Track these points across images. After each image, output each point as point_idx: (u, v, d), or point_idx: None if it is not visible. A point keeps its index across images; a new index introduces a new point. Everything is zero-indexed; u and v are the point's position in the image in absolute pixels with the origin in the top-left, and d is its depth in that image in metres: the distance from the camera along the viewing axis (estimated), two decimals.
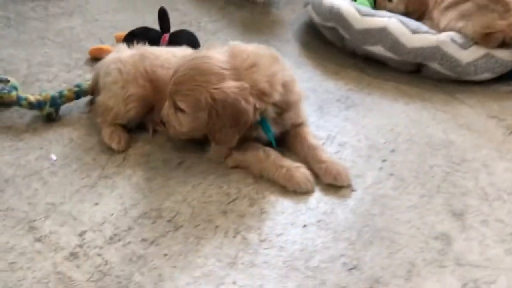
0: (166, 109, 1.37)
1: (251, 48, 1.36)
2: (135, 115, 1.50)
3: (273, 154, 1.36)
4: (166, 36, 1.82)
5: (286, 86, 1.36)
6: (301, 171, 1.33)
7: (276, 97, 1.33)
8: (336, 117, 1.65)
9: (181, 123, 1.35)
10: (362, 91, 1.80)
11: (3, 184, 1.32)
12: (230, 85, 1.28)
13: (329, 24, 1.99)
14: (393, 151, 1.49)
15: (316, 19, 2.07)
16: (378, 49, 1.86)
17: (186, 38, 1.82)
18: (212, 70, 1.29)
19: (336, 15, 1.93)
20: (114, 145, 1.45)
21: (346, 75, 1.90)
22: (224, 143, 1.34)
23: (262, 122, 1.36)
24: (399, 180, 1.38)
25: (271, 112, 1.36)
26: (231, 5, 2.48)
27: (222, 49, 1.36)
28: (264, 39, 2.16)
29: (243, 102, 1.27)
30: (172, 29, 1.89)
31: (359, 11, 1.89)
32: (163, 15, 1.85)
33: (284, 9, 2.42)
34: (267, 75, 1.32)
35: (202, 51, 1.37)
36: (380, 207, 1.29)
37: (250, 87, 1.28)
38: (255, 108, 1.29)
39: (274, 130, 1.41)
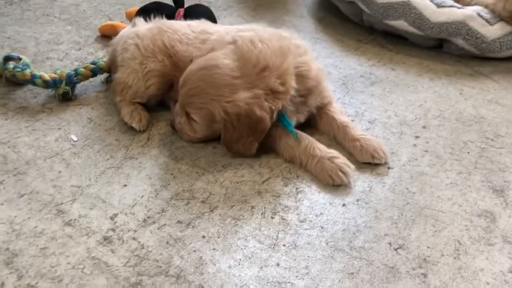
0: (178, 118, 1.32)
1: (260, 47, 1.25)
2: (155, 92, 1.43)
3: (305, 141, 1.29)
4: (181, 11, 1.75)
5: (301, 76, 1.29)
6: (335, 162, 1.24)
7: (292, 92, 1.27)
8: (361, 93, 1.60)
9: (195, 131, 1.31)
10: (385, 66, 1.75)
11: (25, 167, 1.25)
12: (243, 97, 1.22)
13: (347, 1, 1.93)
14: (424, 127, 1.45)
15: None
16: (400, 24, 1.81)
17: (202, 13, 1.74)
18: (223, 82, 1.23)
19: None
20: (135, 125, 1.39)
21: (366, 50, 1.85)
22: (242, 153, 1.28)
23: (281, 117, 1.29)
24: (435, 157, 1.34)
25: (289, 106, 1.29)
26: None
27: (228, 49, 1.27)
28: (277, 15, 2.10)
29: (258, 111, 1.22)
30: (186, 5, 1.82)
31: None
32: None
33: None
34: (278, 75, 1.25)
35: (209, 56, 1.28)
36: (419, 185, 1.25)
37: (264, 92, 1.23)
38: (271, 111, 1.24)
39: (299, 117, 1.35)
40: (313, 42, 1.89)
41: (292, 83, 1.27)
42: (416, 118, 1.49)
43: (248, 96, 1.22)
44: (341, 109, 1.45)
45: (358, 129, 1.37)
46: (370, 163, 1.30)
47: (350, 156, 1.31)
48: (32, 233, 1.07)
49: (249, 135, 1.25)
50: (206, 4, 2.10)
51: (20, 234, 1.07)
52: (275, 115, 1.26)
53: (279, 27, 1.96)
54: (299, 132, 1.31)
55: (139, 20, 1.53)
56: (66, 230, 1.09)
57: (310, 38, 1.93)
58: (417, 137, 1.41)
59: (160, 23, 1.49)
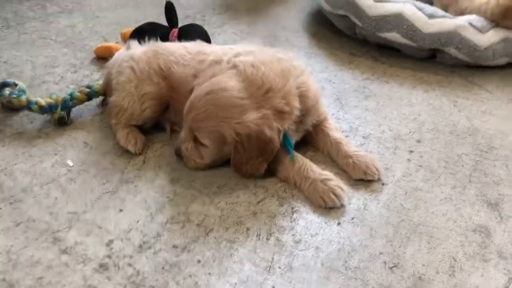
0: (185, 144, 1.32)
1: (262, 70, 1.26)
2: (151, 114, 1.44)
3: (300, 161, 1.29)
4: (175, 31, 1.76)
5: (302, 96, 1.31)
6: (328, 184, 1.24)
7: (296, 112, 1.28)
8: (356, 108, 1.61)
9: (202, 157, 1.31)
10: (379, 79, 1.76)
11: (21, 194, 1.26)
12: (252, 117, 1.23)
13: (340, 12, 1.95)
14: (419, 141, 1.45)
15: (326, 7, 2.02)
16: (393, 36, 1.82)
17: (196, 33, 1.76)
18: (232, 103, 1.23)
19: (348, 2, 1.88)
20: (130, 147, 1.40)
21: (360, 64, 1.86)
22: (251, 173, 1.29)
23: (283, 137, 1.29)
24: (429, 172, 1.34)
25: (291, 125, 1.30)
26: None
27: (231, 73, 1.28)
28: (271, 30, 2.11)
29: (267, 131, 1.23)
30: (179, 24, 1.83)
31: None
32: (170, 10, 1.79)
33: (290, 3, 2.36)
34: (283, 95, 1.26)
35: (213, 80, 1.27)
36: (414, 201, 1.25)
37: (271, 113, 1.24)
38: (279, 131, 1.25)
39: (297, 136, 1.36)
40: (308, 57, 1.91)
41: (296, 103, 1.29)
42: (410, 132, 1.49)
43: (258, 117, 1.23)
44: (336, 125, 1.46)
45: (351, 146, 1.37)
46: (364, 179, 1.30)
47: (344, 173, 1.32)
48: (28, 262, 1.08)
49: (258, 156, 1.26)
50: (199, 21, 2.12)
51: (16, 264, 1.08)
52: (281, 136, 1.27)
53: (273, 43, 2.00)
54: (295, 153, 1.31)
55: (134, 43, 1.54)
56: (63, 258, 1.09)
57: (304, 53, 1.94)
58: (411, 151, 1.42)
59: (155, 45, 1.50)
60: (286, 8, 2.31)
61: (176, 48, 1.47)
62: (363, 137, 1.47)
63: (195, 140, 1.30)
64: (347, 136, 1.46)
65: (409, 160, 1.38)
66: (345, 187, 1.25)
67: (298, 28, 2.13)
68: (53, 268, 1.07)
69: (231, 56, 1.34)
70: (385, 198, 1.26)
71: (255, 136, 1.23)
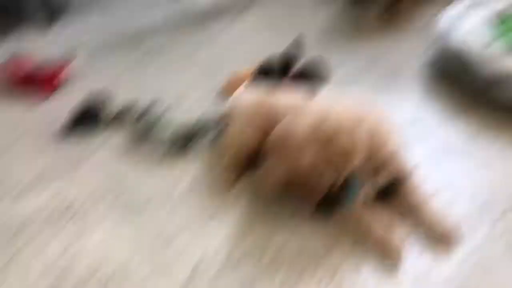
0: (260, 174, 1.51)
1: (335, 115, 1.37)
2: (247, 160, 1.64)
3: (373, 210, 1.39)
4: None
5: (373, 142, 1.36)
6: (397, 241, 1.34)
7: (361, 154, 1.34)
8: (452, 163, 1.61)
9: (273, 189, 1.47)
10: (486, 136, 1.72)
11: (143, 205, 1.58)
12: (310, 155, 1.33)
13: (457, 64, 1.94)
14: (505, 211, 1.43)
15: (444, 59, 2.03)
16: (508, 95, 1.78)
17: (313, 74, 1.97)
18: (295, 144, 1.36)
19: (465, 58, 1.88)
20: (225, 187, 1.62)
21: (470, 116, 1.80)
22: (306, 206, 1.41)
23: (350, 182, 1.36)
24: (509, 246, 1.33)
25: (361, 171, 1.36)
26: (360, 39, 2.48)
27: (306, 117, 1.40)
28: (389, 69, 2.13)
29: (320, 172, 1.33)
30: None
31: (490, 55, 1.82)
32: (298, 46, 2.03)
33: (412, 43, 2.34)
34: (348, 135, 1.33)
35: (286, 124, 1.43)
36: (482, 276, 1.26)
37: (333, 153, 1.32)
38: (337, 171, 1.33)
39: (371, 187, 1.41)
40: (417, 104, 1.91)
41: (361, 145, 1.34)
42: (504, 198, 1.46)
43: (315, 156, 1.33)
44: (421, 184, 1.47)
45: (433, 207, 1.40)
46: (438, 243, 1.34)
47: (419, 233, 1.37)
48: None
49: (310, 192, 1.37)
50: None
51: None
52: (341, 177, 1.34)
53: (388, 83, 2.04)
54: (360, 206, 1.39)
55: (249, 91, 1.80)
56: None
57: (415, 98, 1.94)
58: (497, 220, 1.41)
59: (266, 93, 1.70)
60: (410, 46, 2.28)
61: (281, 99, 1.64)
62: (451, 196, 1.48)
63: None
64: (433, 196, 1.46)
65: (491, 230, 1.38)
66: (406, 246, 1.33)
67: (416, 70, 2.12)
68: None
69: (319, 106, 1.47)
70: (452, 268, 1.29)
71: (308, 173, 1.34)
